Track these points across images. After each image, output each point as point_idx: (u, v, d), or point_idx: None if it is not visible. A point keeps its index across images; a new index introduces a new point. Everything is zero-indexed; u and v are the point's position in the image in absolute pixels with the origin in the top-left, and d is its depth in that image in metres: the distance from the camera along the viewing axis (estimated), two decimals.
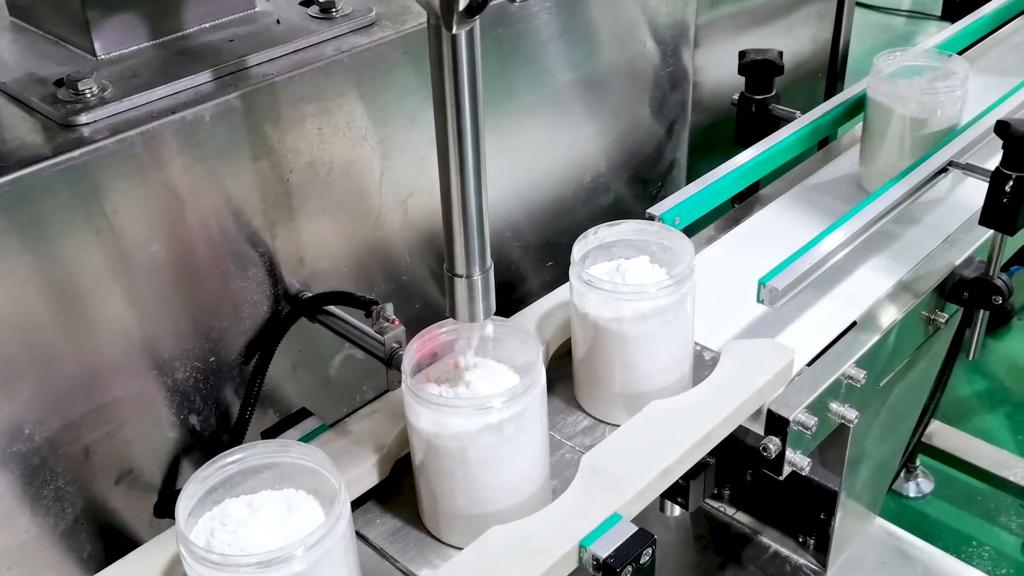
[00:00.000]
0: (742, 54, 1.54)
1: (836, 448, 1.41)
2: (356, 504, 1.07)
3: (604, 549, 0.96)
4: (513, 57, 1.31)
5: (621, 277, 1.15)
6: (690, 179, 1.58)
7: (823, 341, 1.30)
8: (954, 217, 1.49)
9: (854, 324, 1.33)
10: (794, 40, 1.79)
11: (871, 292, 1.38)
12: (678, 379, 1.18)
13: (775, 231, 1.51)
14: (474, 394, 1.00)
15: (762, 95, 1.54)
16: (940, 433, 2.55)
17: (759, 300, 1.21)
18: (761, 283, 1.20)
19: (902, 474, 2.60)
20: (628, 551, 0.95)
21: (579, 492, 1.03)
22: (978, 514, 2.55)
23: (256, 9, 1.18)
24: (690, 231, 1.47)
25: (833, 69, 1.89)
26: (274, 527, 0.90)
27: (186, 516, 0.89)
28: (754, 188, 1.59)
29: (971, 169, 1.42)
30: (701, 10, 1.56)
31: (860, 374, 1.27)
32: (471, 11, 0.72)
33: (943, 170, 1.43)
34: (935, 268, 1.42)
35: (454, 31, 0.73)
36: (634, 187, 1.58)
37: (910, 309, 1.37)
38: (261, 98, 1.06)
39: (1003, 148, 1.34)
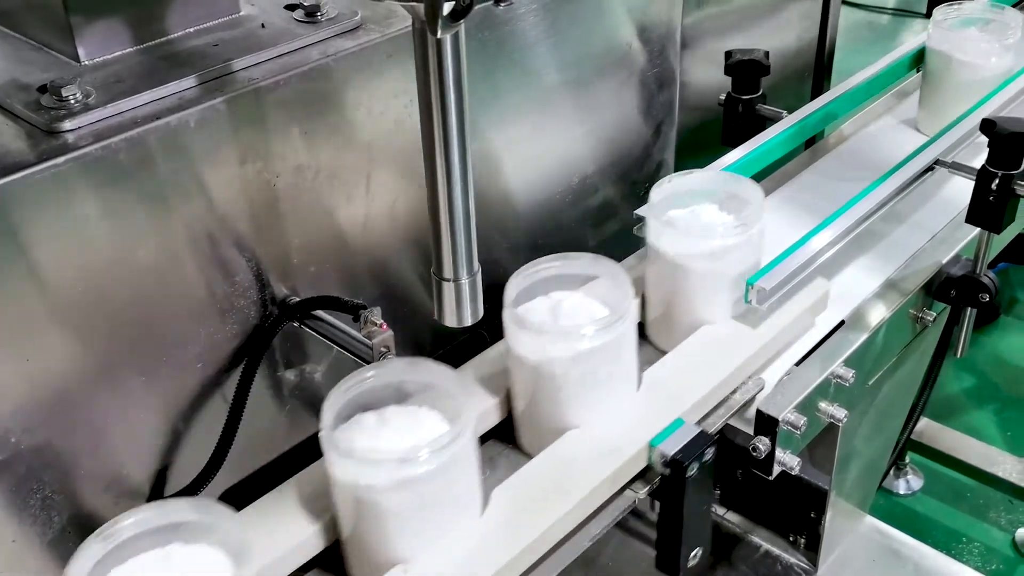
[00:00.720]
0: (728, 54, 1.54)
1: (826, 447, 1.42)
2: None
3: (672, 447, 1.06)
4: (499, 59, 1.31)
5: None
6: None
7: (811, 340, 1.31)
8: (941, 215, 1.50)
9: (842, 323, 1.33)
10: (780, 40, 1.80)
11: (859, 291, 1.38)
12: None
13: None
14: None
15: (749, 95, 1.55)
16: (929, 430, 2.56)
17: (747, 300, 1.21)
18: (749, 283, 1.20)
19: (892, 472, 2.61)
20: (693, 449, 1.06)
21: (644, 401, 1.13)
22: (968, 510, 2.56)
23: (241, 13, 1.18)
24: None
25: (820, 68, 1.89)
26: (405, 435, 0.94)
27: (332, 419, 0.93)
28: None
29: (957, 167, 1.43)
30: (687, 10, 1.56)
31: (849, 373, 1.27)
32: (456, 15, 0.72)
33: (929, 168, 1.44)
34: (922, 266, 1.43)
35: (439, 35, 0.73)
36: (622, 188, 1.58)
37: (898, 308, 1.37)
38: (246, 103, 1.06)
39: (989, 146, 1.34)
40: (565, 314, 1.11)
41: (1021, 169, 1.34)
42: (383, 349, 1.08)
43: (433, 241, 0.93)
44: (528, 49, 1.34)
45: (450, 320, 0.96)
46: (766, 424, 1.20)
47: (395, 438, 0.95)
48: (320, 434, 0.93)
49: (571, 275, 1.15)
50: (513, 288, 1.10)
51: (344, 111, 1.15)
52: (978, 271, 1.43)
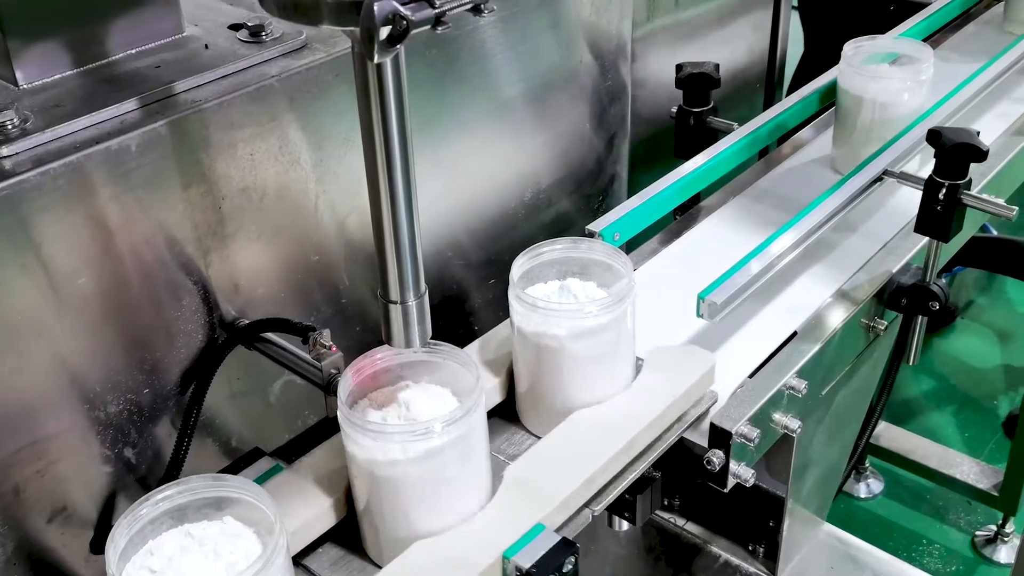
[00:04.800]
0: (679, 67, 1.55)
1: (782, 456, 1.42)
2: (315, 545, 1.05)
3: (527, 559, 0.97)
4: (449, 75, 1.31)
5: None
6: (632, 192, 1.59)
7: (765, 352, 1.31)
8: (891, 224, 1.51)
9: (795, 334, 1.34)
10: (732, 51, 1.81)
11: (811, 302, 1.39)
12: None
13: (716, 242, 1.52)
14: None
15: (700, 108, 1.55)
16: (888, 434, 2.58)
17: (699, 314, 1.21)
18: (700, 297, 1.20)
19: (852, 476, 2.63)
20: (551, 560, 0.97)
21: (503, 504, 1.03)
22: (928, 513, 2.59)
23: (184, 34, 1.16)
24: (632, 244, 1.48)
25: (771, 79, 1.91)
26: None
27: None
28: (695, 199, 1.60)
29: (905, 178, 1.44)
30: (638, 24, 1.57)
31: (801, 384, 1.27)
32: (393, 40, 0.72)
33: (879, 179, 1.45)
34: (873, 276, 1.44)
35: (376, 60, 0.72)
36: (576, 201, 1.58)
37: (850, 317, 1.38)
38: (190, 125, 1.05)
39: (935, 157, 1.36)
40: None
41: (967, 179, 1.36)
42: (332, 371, 1.07)
43: (379, 264, 0.92)
44: (480, 63, 1.34)
45: (398, 342, 0.96)
46: (720, 437, 1.20)
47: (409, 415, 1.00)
48: (337, 412, 0.97)
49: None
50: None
51: (291, 131, 1.14)
52: (928, 279, 1.44)
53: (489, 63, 1.36)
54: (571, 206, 1.58)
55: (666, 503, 1.63)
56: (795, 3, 3.11)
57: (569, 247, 1.18)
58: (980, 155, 1.33)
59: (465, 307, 1.47)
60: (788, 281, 1.41)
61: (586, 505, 1.08)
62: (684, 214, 1.60)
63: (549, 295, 1.15)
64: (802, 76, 3.04)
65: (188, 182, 1.06)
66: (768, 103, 1.95)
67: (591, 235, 1.31)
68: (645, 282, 1.44)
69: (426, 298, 0.95)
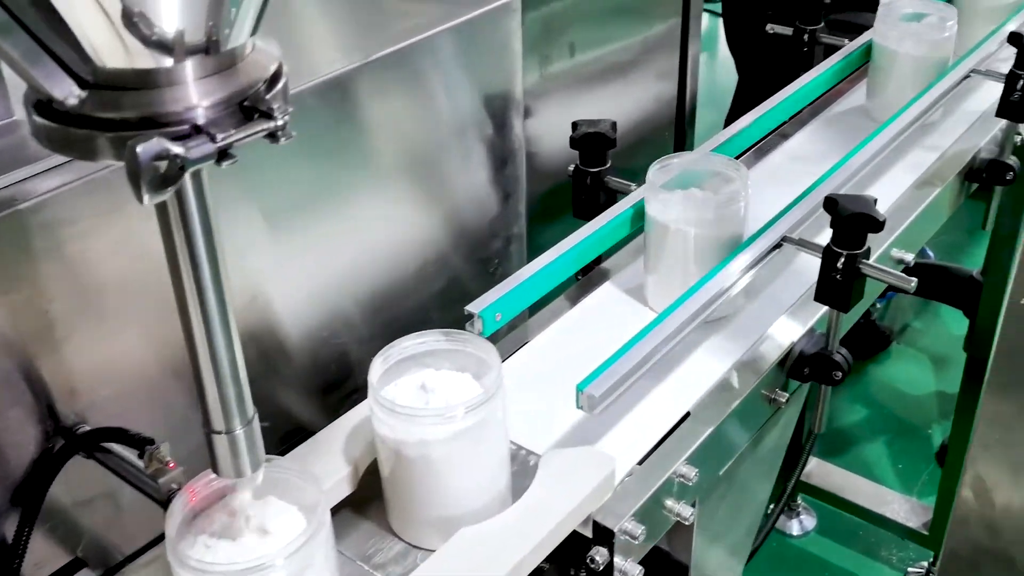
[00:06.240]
0: (574, 125, 1.48)
1: (681, 537, 1.36)
2: None
3: None
4: (331, 138, 1.23)
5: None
6: (532, 253, 1.52)
7: (655, 437, 1.25)
8: (795, 288, 1.45)
9: (688, 415, 1.28)
10: (635, 101, 1.74)
11: (707, 378, 1.32)
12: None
13: (615, 309, 1.45)
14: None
15: (596, 168, 1.49)
16: (819, 471, 2.55)
17: (579, 406, 1.15)
18: (579, 389, 1.13)
19: (784, 513, 2.59)
20: None
21: None
22: (861, 550, 2.56)
23: (13, 118, 1.07)
24: (533, 309, 1.41)
25: (681, 126, 1.84)
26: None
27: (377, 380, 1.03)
28: (598, 259, 1.53)
29: (804, 245, 1.38)
30: (531, 80, 1.50)
31: (692, 472, 1.21)
32: (167, 181, 0.64)
33: (778, 245, 1.39)
34: (774, 345, 1.38)
35: (145, 203, 0.64)
36: (471, 267, 1.51)
37: (748, 392, 1.32)
38: (9, 226, 0.96)
39: (831, 226, 1.30)
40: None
41: (865, 248, 1.30)
42: (172, 487, 0.99)
43: (198, 393, 0.84)
44: (365, 124, 1.27)
45: (226, 473, 0.88)
46: (603, 534, 1.14)
47: (435, 399, 1.06)
48: (369, 394, 1.04)
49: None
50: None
51: (133, 221, 1.06)
52: (830, 348, 1.39)
53: (377, 123, 1.29)
54: (468, 271, 1.51)
55: None
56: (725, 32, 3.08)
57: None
58: (876, 225, 1.28)
59: (352, 382, 1.40)
60: (683, 356, 1.35)
61: None
62: (587, 275, 1.54)
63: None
64: (739, 106, 3.01)
65: (9, 287, 0.97)
66: (679, 150, 1.88)
67: (470, 316, 1.24)
68: (536, 354, 1.37)
69: (256, 421, 0.87)
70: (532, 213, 1.58)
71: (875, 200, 1.30)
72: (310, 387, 1.35)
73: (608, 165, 1.49)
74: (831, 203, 1.30)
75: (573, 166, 1.50)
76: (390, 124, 1.34)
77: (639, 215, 1.44)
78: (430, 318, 1.46)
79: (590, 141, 1.47)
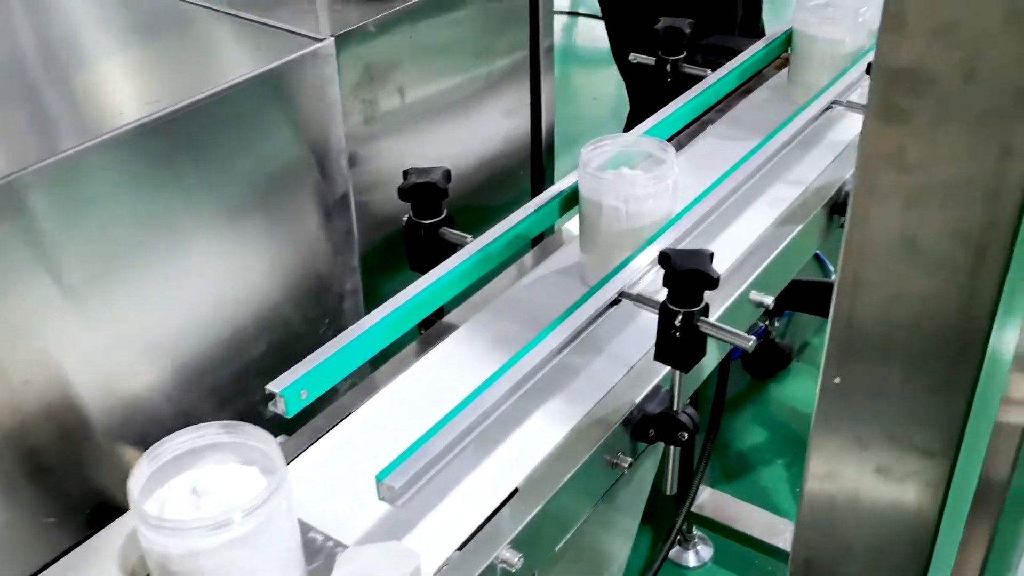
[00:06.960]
0: (405, 174, 1.39)
1: None
2: None
3: None
4: (135, 194, 1.13)
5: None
6: (368, 307, 1.43)
7: (479, 517, 1.16)
8: (638, 345, 1.38)
9: (516, 492, 1.19)
10: (482, 142, 1.65)
11: (541, 447, 1.24)
12: None
13: (453, 369, 1.36)
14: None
15: (430, 219, 1.39)
16: (711, 502, 2.48)
17: (380, 498, 1.05)
18: (378, 480, 1.04)
19: (679, 544, 2.53)
20: None
21: None
22: None
23: None
24: (377, 361, 1.32)
25: (538, 163, 1.76)
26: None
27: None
28: (440, 312, 1.44)
29: (642, 301, 1.31)
30: (354, 126, 1.40)
31: (515, 558, 1.13)
32: None
33: (616, 301, 1.31)
34: (616, 406, 1.30)
35: None
36: (301, 326, 1.41)
37: (586, 459, 1.24)
38: None
39: (664, 284, 1.23)
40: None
41: (702, 305, 1.23)
42: None
43: None
44: (178, 179, 1.17)
45: None
46: None
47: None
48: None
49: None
50: None
51: None
52: (675, 407, 1.32)
53: (191, 176, 1.19)
54: (293, 332, 1.41)
55: None
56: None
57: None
58: (711, 283, 1.21)
59: None
60: (515, 424, 1.26)
61: None
62: (429, 329, 1.45)
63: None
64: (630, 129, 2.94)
65: None
66: (537, 188, 1.80)
67: (271, 396, 1.14)
68: (365, 422, 1.27)
69: None
70: (370, 266, 1.48)
71: (711, 255, 1.23)
72: (121, 465, 1.24)
73: (444, 215, 1.40)
74: (665, 258, 1.22)
75: (406, 218, 1.41)
76: (203, 176, 1.23)
77: (480, 264, 1.36)
78: (251, 386, 1.36)
79: (420, 192, 1.38)
